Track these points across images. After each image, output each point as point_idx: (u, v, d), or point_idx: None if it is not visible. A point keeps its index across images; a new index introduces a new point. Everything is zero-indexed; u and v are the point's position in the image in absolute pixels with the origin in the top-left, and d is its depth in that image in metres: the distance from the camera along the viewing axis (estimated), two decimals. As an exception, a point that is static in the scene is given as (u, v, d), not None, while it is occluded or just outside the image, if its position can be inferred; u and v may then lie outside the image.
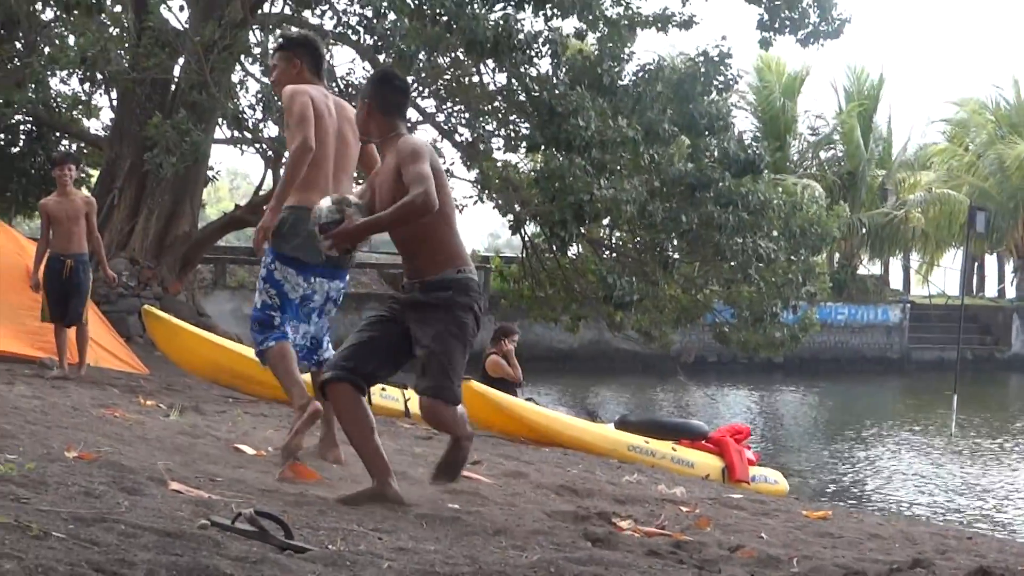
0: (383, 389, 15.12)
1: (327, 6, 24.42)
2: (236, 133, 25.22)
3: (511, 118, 24.12)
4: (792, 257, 24.61)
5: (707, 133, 23.28)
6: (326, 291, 8.51)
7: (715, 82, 23.21)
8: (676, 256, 24.28)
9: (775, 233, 24.17)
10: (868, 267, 55.32)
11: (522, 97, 22.55)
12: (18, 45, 26.85)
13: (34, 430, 7.81)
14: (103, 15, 23.41)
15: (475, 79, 23.92)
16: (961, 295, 38.02)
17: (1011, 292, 57.53)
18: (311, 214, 7.00)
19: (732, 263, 24.18)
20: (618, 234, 26.96)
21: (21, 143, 31.85)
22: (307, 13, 25.23)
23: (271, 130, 24.24)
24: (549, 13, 21.57)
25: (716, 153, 23.65)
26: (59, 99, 28.37)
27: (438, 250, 6.94)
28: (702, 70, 22.86)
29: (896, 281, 57.84)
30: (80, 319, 14.06)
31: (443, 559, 5.23)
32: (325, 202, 6.89)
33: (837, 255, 50.76)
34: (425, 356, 6.92)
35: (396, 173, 6.81)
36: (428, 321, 6.90)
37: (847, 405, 34.91)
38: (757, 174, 24.34)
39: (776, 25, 26.61)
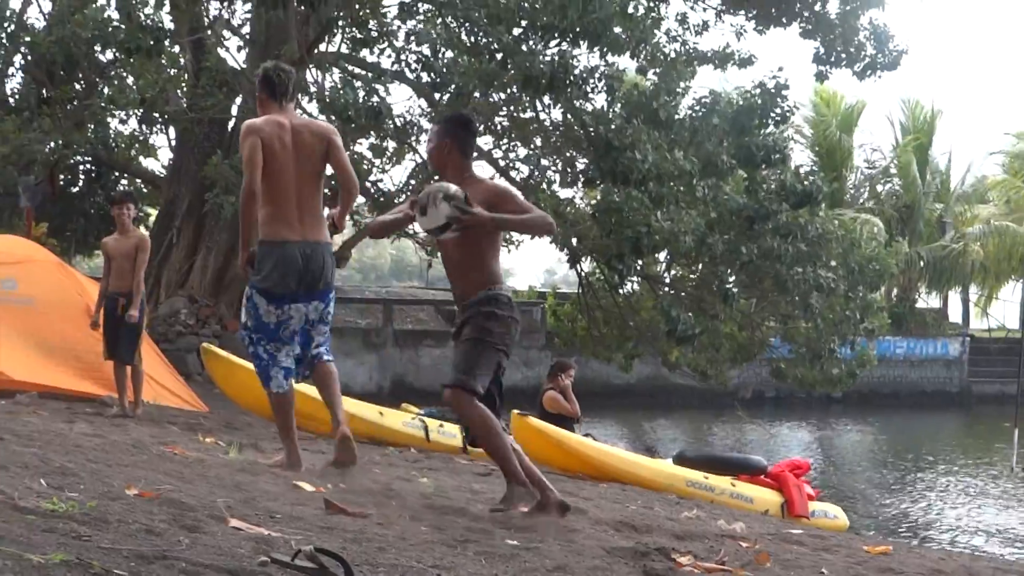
0: (441, 426, 15.14)
1: (385, 44, 24.50)
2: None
3: (568, 153, 24.11)
4: (850, 293, 24.46)
5: (764, 165, 23.21)
6: (304, 314, 8.95)
7: (772, 114, 23.14)
8: (735, 289, 24.15)
9: (833, 263, 24.06)
10: (927, 300, 54.93)
11: (578, 132, 22.56)
12: (78, 86, 27.07)
13: (95, 468, 7.84)
14: (162, 57, 23.55)
15: (531, 115, 23.92)
16: (1021, 328, 37.80)
17: (1072, 325, 56.93)
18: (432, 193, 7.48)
19: (792, 296, 24.08)
20: (675, 269, 26.91)
21: (81, 183, 32.10)
22: (365, 52, 25.34)
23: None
24: (604, 50, 21.56)
25: (773, 185, 23.56)
26: (118, 139, 28.59)
27: (482, 272, 7.74)
28: (759, 102, 22.80)
29: (955, 315, 57.30)
30: (131, 358, 14.06)
31: (502, 596, 5.22)
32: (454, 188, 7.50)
33: (895, 289, 50.45)
34: (453, 354, 7.91)
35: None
36: (462, 331, 7.77)
37: (907, 440, 34.63)
38: (815, 206, 24.26)
39: (832, 58, 26.57)
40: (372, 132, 23.12)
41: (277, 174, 8.68)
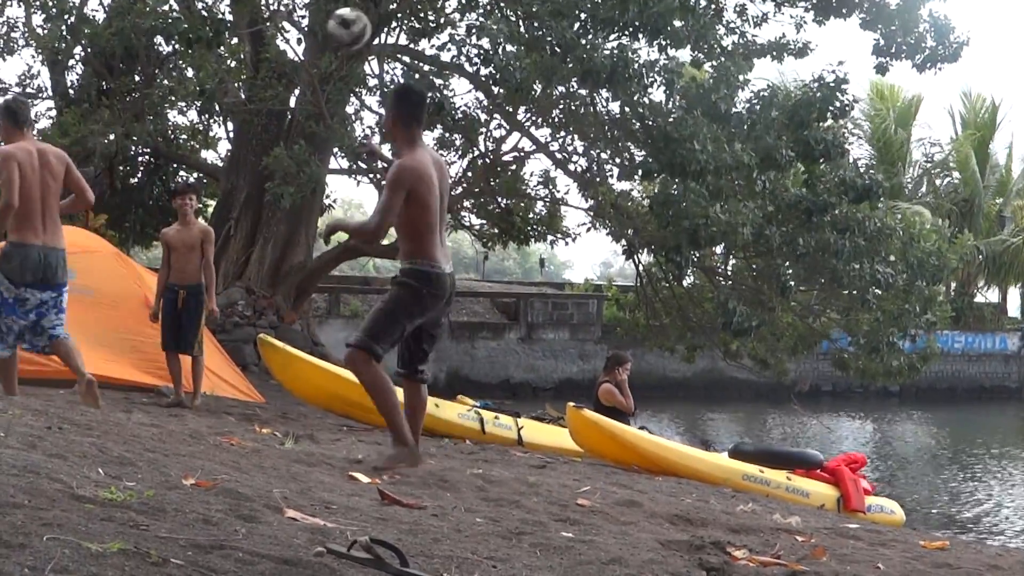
0: (496, 418, 15.14)
1: (446, 37, 24.53)
2: (351, 163, 25.40)
3: (625, 146, 24.05)
4: (909, 288, 24.26)
5: (822, 159, 23.07)
6: (39, 299, 10.97)
7: (831, 108, 22.98)
8: (792, 282, 24.02)
9: (892, 258, 23.89)
10: (985, 295, 54.49)
11: (636, 125, 22.51)
12: (137, 78, 27.21)
13: (152, 458, 7.89)
14: (221, 48, 23.64)
15: (590, 109, 23.87)
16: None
17: None
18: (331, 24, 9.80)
19: (849, 290, 23.95)
20: (733, 261, 26.83)
21: (139, 175, 32.26)
22: (424, 43, 25.38)
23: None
24: (664, 43, 21.50)
25: (832, 180, 23.42)
26: (177, 131, 28.73)
27: (405, 245, 8.94)
28: (818, 95, 22.66)
29: (1014, 309, 56.85)
30: (191, 349, 14.12)
31: (557, 588, 5.22)
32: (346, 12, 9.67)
33: (954, 283, 50.09)
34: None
35: None
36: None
37: (964, 434, 34.40)
38: (875, 200, 24.10)
39: (892, 50, 26.40)
40: (437, 125, 23.14)
41: (28, 191, 10.48)
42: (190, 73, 25.46)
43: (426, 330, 8.99)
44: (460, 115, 22.75)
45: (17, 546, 4.30)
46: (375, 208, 8.95)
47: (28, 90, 30.62)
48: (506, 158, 26.20)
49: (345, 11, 9.87)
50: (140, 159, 31.63)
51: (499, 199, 27.28)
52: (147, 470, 7.18)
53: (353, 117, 25.78)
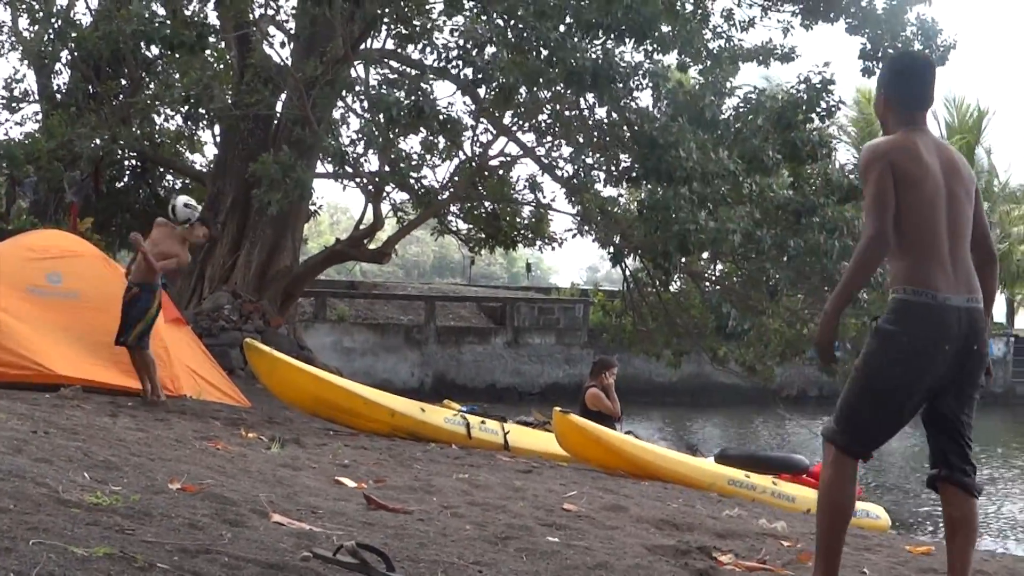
0: (483, 422, 15.14)
1: (427, 42, 24.54)
2: (337, 168, 25.40)
3: (612, 152, 24.06)
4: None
5: (809, 160, 23.07)
6: None
7: (817, 109, 22.99)
8: (781, 286, 23.96)
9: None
10: (972, 300, 54.62)
11: (623, 130, 22.51)
12: (124, 82, 27.20)
13: (138, 462, 7.90)
14: (207, 53, 23.64)
15: (576, 113, 23.88)
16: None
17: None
18: None
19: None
20: (721, 266, 26.82)
21: (126, 179, 32.26)
22: (409, 48, 25.36)
23: (372, 164, 24.40)
24: (651, 47, 21.50)
25: (819, 181, 23.42)
26: (163, 135, 28.73)
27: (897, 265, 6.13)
28: (804, 97, 22.67)
29: (1000, 314, 57.00)
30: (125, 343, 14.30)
31: (543, 592, 5.23)
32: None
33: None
34: None
35: None
36: None
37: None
38: (861, 200, 24.08)
39: (879, 54, 26.42)
40: (419, 130, 23.15)
41: None
42: (176, 78, 25.45)
43: (946, 398, 5.88)
44: (445, 118, 22.72)
45: (3, 550, 4.31)
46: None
47: (15, 93, 30.70)
48: (493, 163, 26.21)
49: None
50: (127, 163, 31.62)
51: (486, 204, 27.30)
52: (133, 474, 7.19)
53: (340, 122, 25.76)
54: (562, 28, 20.64)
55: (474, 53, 21.94)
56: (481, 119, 24.54)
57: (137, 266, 14.47)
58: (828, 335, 6.12)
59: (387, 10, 22.96)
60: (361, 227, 27.02)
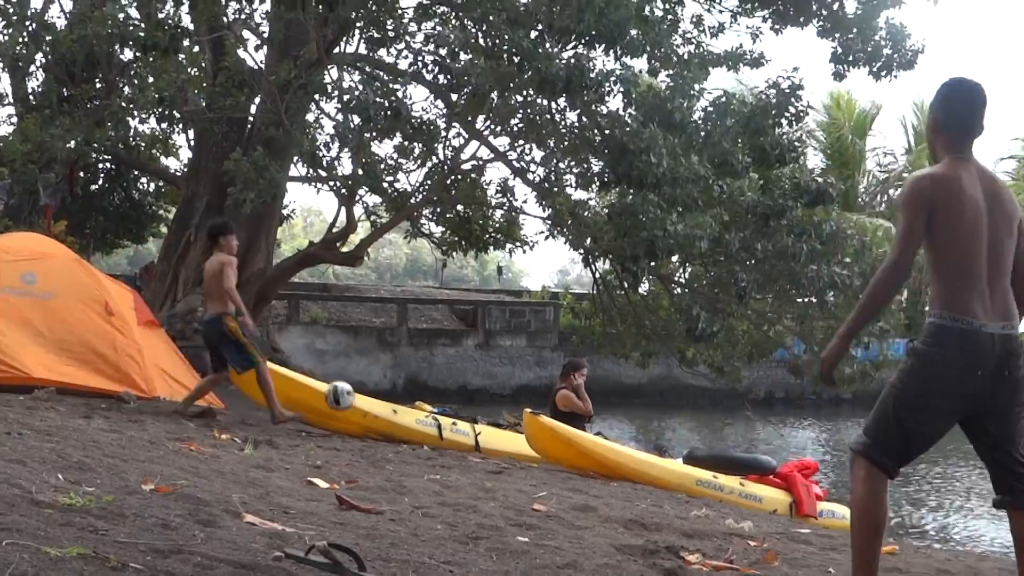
0: (454, 423, 15.15)
1: (403, 45, 24.54)
2: (311, 171, 25.39)
3: (583, 156, 24.09)
4: (861, 295, 24.29)
5: (778, 164, 23.14)
6: None
7: (786, 113, 23.07)
8: (750, 288, 24.02)
9: (848, 260, 23.95)
10: (936, 303, 54.72)
11: (594, 135, 22.53)
12: (98, 85, 27.13)
13: (111, 463, 7.89)
14: (181, 56, 23.59)
15: (547, 118, 23.90)
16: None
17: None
18: None
19: (806, 297, 23.99)
20: (690, 269, 26.88)
21: (100, 181, 32.20)
22: (382, 52, 25.35)
23: (345, 167, 24.41)
24: (620, 52, 21.54)
25: (787, 185, 23.49)
26: (138, 138, 28.67)
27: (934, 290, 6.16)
28: (773, 102, 22.75)
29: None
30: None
31: (512, 592, 5.25)
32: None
33: (906, 291, 50.32)
34: None
35: None
36: None
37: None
38: (829, 204, 24.19)
39: (850, 58, 26.55)
40: (393, 133, 23.15)
41: None
42: (151, 81, 25.39)
43: (988, 423, 5.88)
44: (419, 122, 22.72)
45: (-24, 551, 4.30)
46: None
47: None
48: (465, 166, 26.23)
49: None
50: (101, 166, 31.59)
51: (458, 207, 27.30)
52: (106, 475, 7.18)
53: (314, 125, 25.78)
54: (534, 34, 20.66)
55: (448, 59, 21.99)
56: (454, 123, 24.55)
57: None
58: (838, 356, 6.27)
59: (360, 13, 22.94)
60: (334, 230, 27.03)
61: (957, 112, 6.01)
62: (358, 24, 23.94)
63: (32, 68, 28.91)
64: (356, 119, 21.54)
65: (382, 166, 24.58)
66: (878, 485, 5.91)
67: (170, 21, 21.86)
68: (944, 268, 5.80)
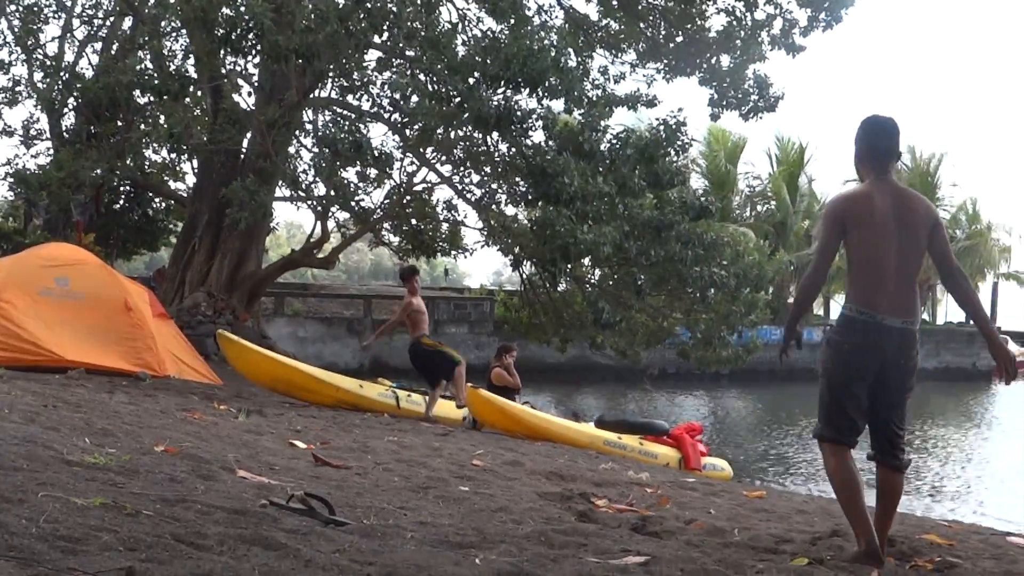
0: (409, 396, 15.16)
1: (364, 92, 24.51)
2: (293, 192, 25.35)
3: (512, 179, 24.05)
4: (736, 293, 24.38)
5: (669, 186, 23.21)
6: None
7: (674, 145, 23.15)
8: (646, 287, 24.06)
9: (725, 262, 24.02)
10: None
11: (520, 161, 22.48)
12: (119, 123, 26.89)
13: (130, 429, 7.81)
14: (187, 99, 23.53)
15: (483, 148, 23.85)
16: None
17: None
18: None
19: (693, 291, 24.01)
20: (599, 271, 26.87)
21: (121, 201, 32.13)
22: (349, 97, 25.27)
23: (320, 190, 24.42)
24: (541, 95, 21.53)
25: (676, 203, 23.53)
26: (151, 166, 28.50)
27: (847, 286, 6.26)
28: (663, 135, 22.81)
29: (817, 308, 58.02)
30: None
31: (455, 531, 5.24)
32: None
33: (771, 288, 50.84)
34: None
35: None
36: None
37: (780, 408, 34.88)
38: (709, 218, 24.31)
39: (724, 102, 26.76)
40: (357, 162, 23.03)
41: None
42: (162, 120, 25.24)
43: (879, 400, 5.88)
44: (379, 153, 22.61)
45: (16, 501, 4.27)
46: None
47: (31, 132, 30.51)
48: (417, 188, 26.10)
49: None
50: (122, 189, 31.43)
51: (412, 221, 27.17)
52: (125, 439, 7.11)
53: (294, 155, 25.79)
54: (471, 80, 20.63)
55: (401, 101, 22.01)
56: (407, 153, 24.48)
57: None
58: (789, 337, 6.29)
59: (332, 66, 22.86)
60: (312, 240, 26.90)
61: (874, 143, 6.02)
62: (331, 74, 23.86)
63: (65, 110, 28.67)
64: (327, 151, 21.47)
65: (350, 188, 24.43)
66: (842, 457, 5.82)
67: (179, 72, 21.80)
68: (857, 269, 5.81)
